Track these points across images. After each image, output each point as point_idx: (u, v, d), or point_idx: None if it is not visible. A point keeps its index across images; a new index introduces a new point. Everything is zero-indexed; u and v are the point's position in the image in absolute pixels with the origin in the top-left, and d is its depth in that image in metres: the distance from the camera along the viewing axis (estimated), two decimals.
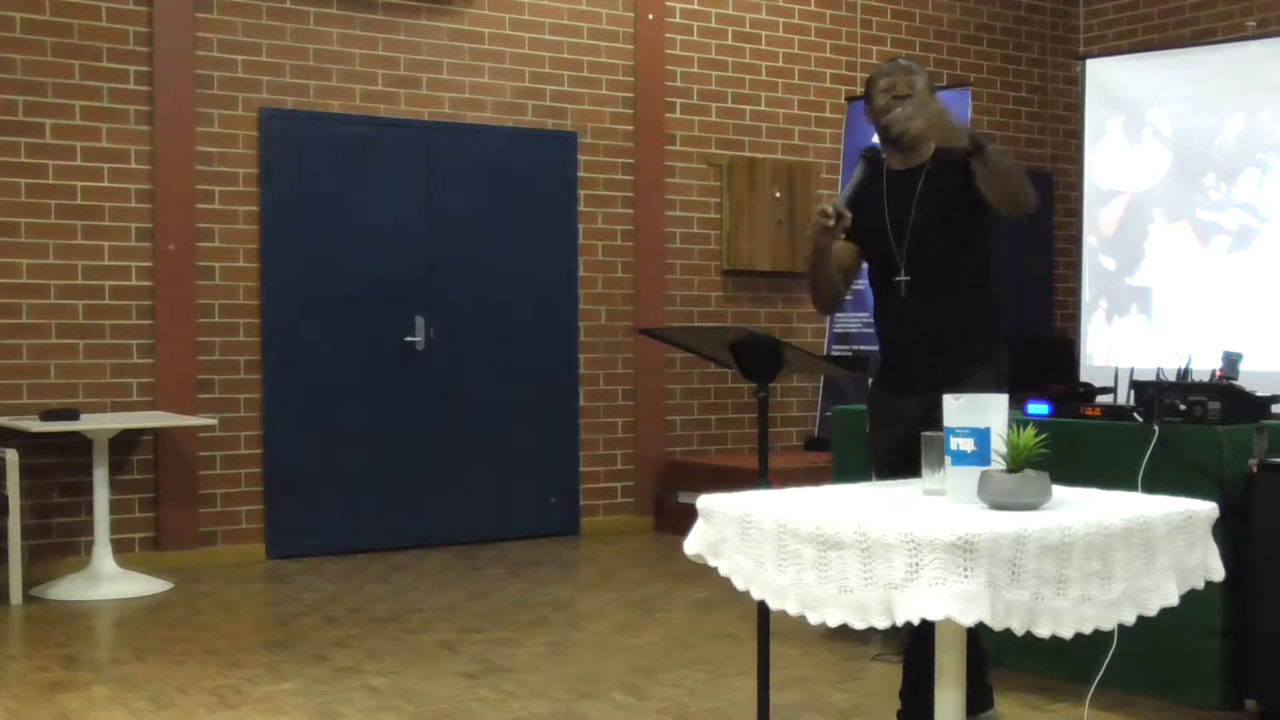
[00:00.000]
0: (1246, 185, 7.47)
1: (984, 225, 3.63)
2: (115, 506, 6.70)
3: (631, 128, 8.36)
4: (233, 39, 7.18)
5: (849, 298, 4.96)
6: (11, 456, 6.18)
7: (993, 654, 4.00)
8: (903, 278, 3.64)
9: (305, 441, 7.32)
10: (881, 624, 2.39)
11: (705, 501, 2.81)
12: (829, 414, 6.41)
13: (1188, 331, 7.44)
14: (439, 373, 7.69)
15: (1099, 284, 8.11)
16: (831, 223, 3.40)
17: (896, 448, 3.59)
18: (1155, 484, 3.70)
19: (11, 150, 6.66)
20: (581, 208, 8.20)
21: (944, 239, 3.60)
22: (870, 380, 3.99)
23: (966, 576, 2.27)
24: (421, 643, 5.34)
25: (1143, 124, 7.87)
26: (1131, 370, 4.80)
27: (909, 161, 3.69)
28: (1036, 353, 5.75)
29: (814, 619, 2.50)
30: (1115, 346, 7.92)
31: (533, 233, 8.02)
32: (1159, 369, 4.56)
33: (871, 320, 4.01)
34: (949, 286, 3.62)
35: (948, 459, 2.67)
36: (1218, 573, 2.70)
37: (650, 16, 8.36)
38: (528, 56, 8.02)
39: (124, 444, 6.80)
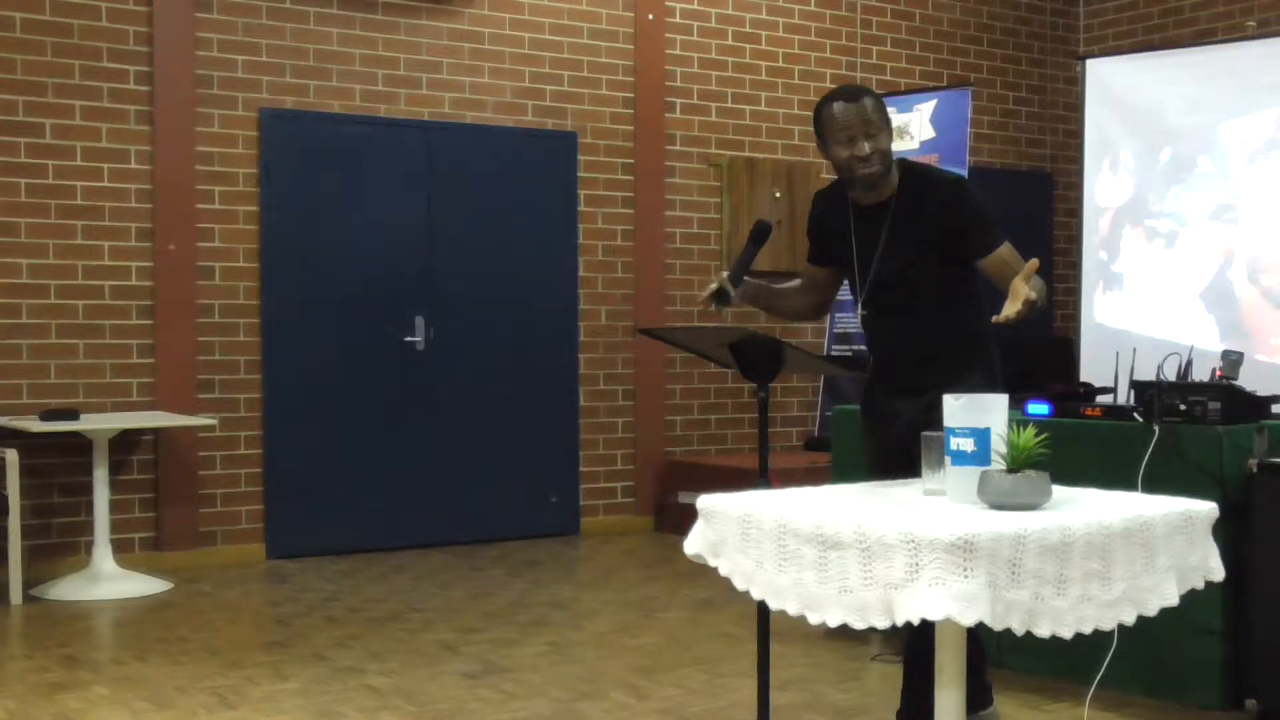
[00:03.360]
0: (1246, 185, 7.46)
1: (957, 264, 3.53)
2: (115, 506, 6.70)
3: (631, 128, 8.36)
4: (233, 39, 7.17)
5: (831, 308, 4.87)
6: (11, 456, 6.17)
7: (992, 654, 4.00)
8: (861, 311, 3.68)
9: (305, 441, 7.31)
10: (881, 624, 2.40)
11: (705, 501, 2.81)
12: (829, 414, 6.41)
13: (1187, 331, 7.43)
14: (439, 373, 7.68)
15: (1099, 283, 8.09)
16: (704, 295, 3.42)
17: (890, 450, 3.59)
18: (1155, 484, 3.69)
19: (11, 150, 6.66)
20: (581, 208, 8.20)
21: (912, 280, 3.56)
22: (865, 383, 4.00)
23: (966, 576, 2.27)
24: (421, 643, 5.34)
25: (1138, 127, 7.85)
26: (1132, 370, 4.79)
27: (872, 198, 3.58)
28: (1036, 353, 5.73)
29: (814, 619, 2.50)
30: None
31: (533, 233, 8.01)
32: (1159, 369, 4.55)
33: None
34: (915, 317, 3.59)
35: (948, 459, 2.67)
36: (1218, 573, 2.70)
37: (650, 16, 8.36)
38: (528, 56, 8.02)
39: (124, 444, 6.80)
